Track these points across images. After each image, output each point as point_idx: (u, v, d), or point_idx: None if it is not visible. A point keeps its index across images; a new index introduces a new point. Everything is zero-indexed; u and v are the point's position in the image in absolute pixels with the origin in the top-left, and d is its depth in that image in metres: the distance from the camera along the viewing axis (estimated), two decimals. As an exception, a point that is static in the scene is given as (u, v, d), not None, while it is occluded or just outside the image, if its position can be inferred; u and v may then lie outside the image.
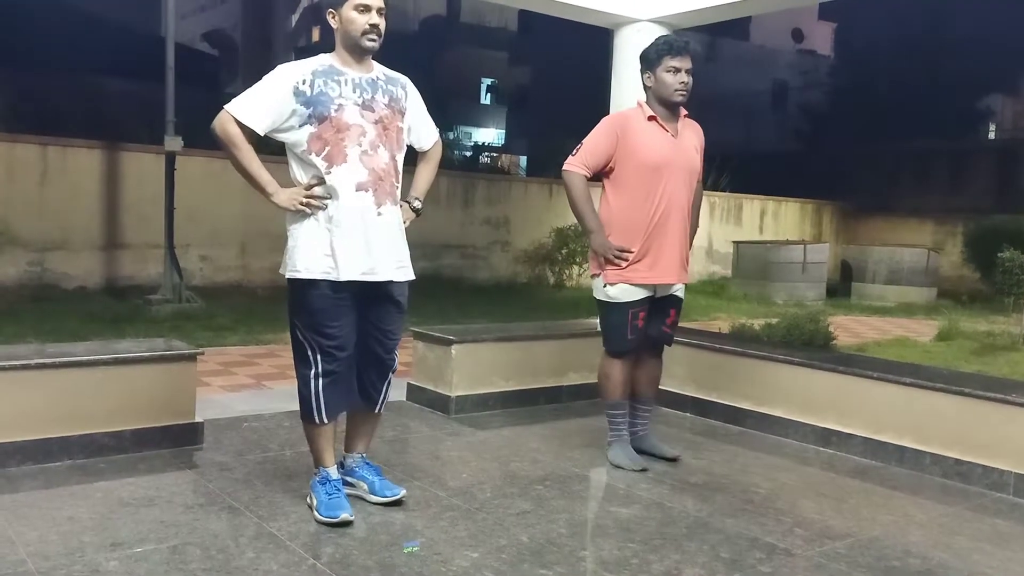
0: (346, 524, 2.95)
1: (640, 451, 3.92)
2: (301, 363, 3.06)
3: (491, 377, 4.83)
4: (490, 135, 32.47)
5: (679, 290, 3.91)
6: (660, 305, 3.85)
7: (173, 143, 9.34)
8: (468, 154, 23.06)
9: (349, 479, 3.22)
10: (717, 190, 16.33)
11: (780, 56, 31.67)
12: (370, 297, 3.04)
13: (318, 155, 2.92)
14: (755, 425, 4.59)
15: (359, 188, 2.94)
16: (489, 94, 35.55)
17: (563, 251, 13.51)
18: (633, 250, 3.69)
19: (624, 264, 3.70)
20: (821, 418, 4.34)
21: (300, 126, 2.92)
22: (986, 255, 12.24)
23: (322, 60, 3.01)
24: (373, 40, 2.96)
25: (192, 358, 3.91)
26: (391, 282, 3.05)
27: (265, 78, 2.96)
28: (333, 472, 3.11)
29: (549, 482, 3.60)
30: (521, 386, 4.93)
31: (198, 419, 3.89)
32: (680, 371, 4.96)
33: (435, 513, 3.15)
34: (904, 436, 4.02)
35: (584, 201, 3.75)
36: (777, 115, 28.04)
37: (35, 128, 10.48)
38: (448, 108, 26.54)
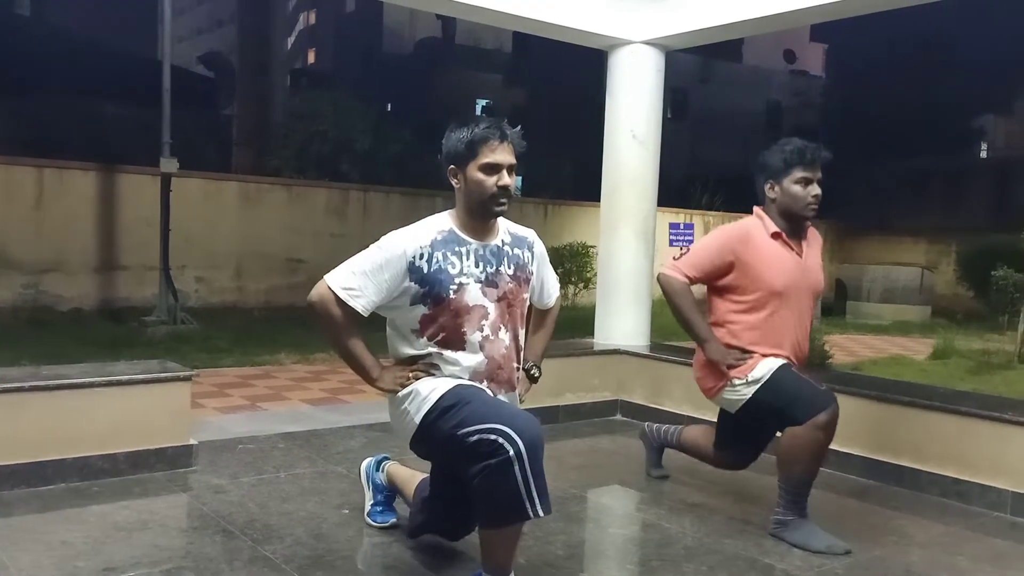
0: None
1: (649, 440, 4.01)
2: (490, 455, 2.37)
3: (487, 398, 4.80)
4: (485, 156, 32.53)
5: None
6: None
7: (169, 165, 9.37)
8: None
9: (370, 484, 3.24)
10: (712, 209, 16.39)
11: (773, 77, 31.94)
12: None
13: (430, 340, 2.54)
14: (752, 445, 4.57)
15: (474, 377, 2.55)
16: (484, 115, 35.70)
17: (559, 270, 13.52)
18: (755, 351, 3.27)
19: (746, 368, 3.26)
20: (818, 437, 4.32)
21: (411, 304, 2.53)
22: (980, 273, 12.29)
23: (441, 225, 2.60)
24: (503, 204, 2.55)
25: (187, 380, 3.89)
26: None
27: (376, 248, 2.54)
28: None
29: (546, 503, 3.57)
30: (518, 407, 4.91)
31: (192, 441, 3.87)
32: (677, 391, 4.95)
33: (432, 536, 3.13)
34: (902, 455, 4.01)
35: (691, 309, 3.30)
36: (770, 135, 28.18)
37: (31, 151, 10.51)
38: (443, 129, 26.61)
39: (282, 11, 47.96)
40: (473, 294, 2.53)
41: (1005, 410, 3.80)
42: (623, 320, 5.47)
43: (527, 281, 2.69)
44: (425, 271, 2.50)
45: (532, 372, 2.85)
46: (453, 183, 2.61)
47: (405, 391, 2.57)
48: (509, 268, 2.62)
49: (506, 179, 2.53)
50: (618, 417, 5.24)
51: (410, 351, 2.59)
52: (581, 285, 13.43)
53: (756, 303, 3.26)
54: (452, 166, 2.60)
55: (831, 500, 3.83)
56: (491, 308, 2.56)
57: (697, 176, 18.49)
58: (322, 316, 2.54)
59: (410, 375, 2.55)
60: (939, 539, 3.38)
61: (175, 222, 9.47)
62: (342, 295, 2.49)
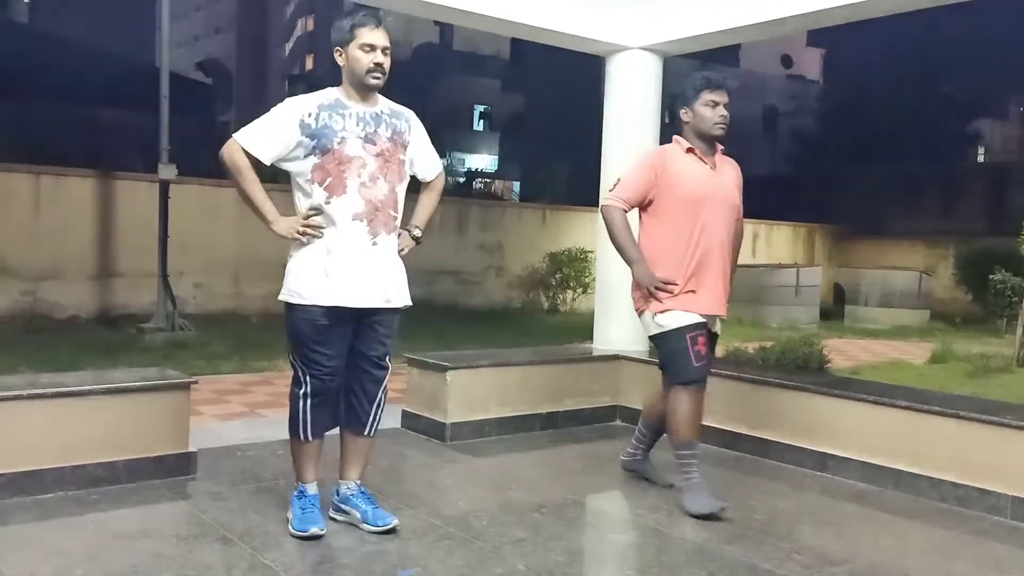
0: (316, 538, 3.06)
1: (634, 472, 3.92)
2: (293, 381, 3.18)
3: (486, 403, 4.81)
4: (483, 161, 32.63)
5: (716, 325, 3.79)
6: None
7: (167, 171, 9.36)
8: (462, 180, 23.18)
9: (343, 507, 3.26)
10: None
11: (770, 82, 32.02)
12: (360, 323, 3.12)
13: (320, 185, 3.03)
14: (751, 450, 4.58)
15: (355, 218, 3.04)
16: (482, 120, 35.76)
17: (557, 276, 13.54)
18: (678, 282, 3.58)
19: (670, 295, 3.58)
20: (817, 442, 4.32)
21: (304, 157, 3.03)
22: (978, 277, 12.32)
23: (328, 94, 3.12)
24: (377, 78, 3.08)
25: (186, 387, 3.88)
26: (380, 309, 3.13)
27: (273, 110, 3.09)
28: (310, 488, 3.20)
29: (546, 509, 3.57)
30: (517, 412, 4.91)
31: (192, 448, 3.86)
32: (676, 396, 4.94)
33: (431, 542, 3.13)
34: (901, 460, 4.01)
35: (624, 233, 3.66)
36: (768, 139, 28.27)
37: (29, 157, 10.50)
38: (442, 134, 26.64)
39: (280, 17, 48.00)
40: (353, 147, 3.04)
41: (1004, 414, 3.80)
42: (622, 325, 5.47)
43: (404, 146, 3.19)
44: (313, 127, 3.02)
45: (413, 232, 3.31)
46: (339, 61, 3.11)
47: (293, 259, 3.10)
48: (387, 132, 3.13)
49: (380, 57, 3.06)
50: (617, 423, 5.24)
51: (306, 202, 3.07)
52: (580, 290, 13.44)
53: (675, 214, 3.62)
54: (338, 47, 3.10)
55: (829, 505, 3.83)
56: (369, 160, 3.06)
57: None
58: (229, 164, 3.05)
59: (300, 228, 3.03)
60: (938, 544, 3.38)
61: (173, 228, 9.46)
62: (245, 144, 3.02)
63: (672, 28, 5.24)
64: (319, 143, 3.02)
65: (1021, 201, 17.30)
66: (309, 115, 3.03)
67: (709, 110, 3.67)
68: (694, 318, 3.59)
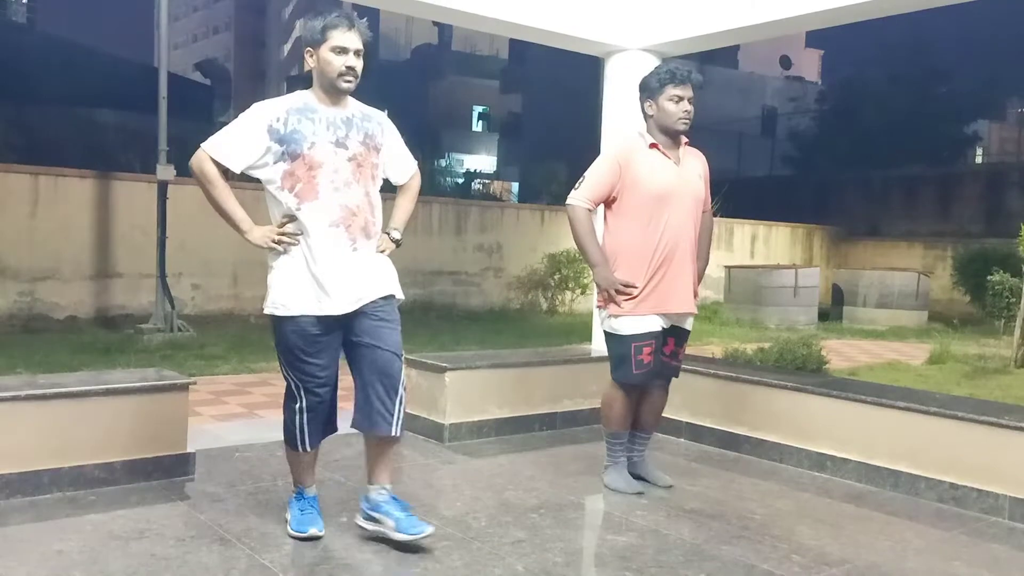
0: (314, 539, 3.07)
1: (635, 476, 3.91)
2: (288, 395, 3.16)
3: (485, 404, 4.81)
4: (482, 162, 32.66)
5: (687, 322, 3.85)
6: (667, 336, 3.80)
7: (165, 172, 9.35)
8: (460, 181, 23.17)
9: (374, 514, 3.11)
10: (708, 215, 16.38)
11: (769, 83, 32.04)
12: (359, 321, 3.04)
13: (290, 191, 2.96)
14: (750, 451, 4.58)
15: (332, 224, 2.96)
16: (481, 121, 35.80)
17: (555, 277, 13.53)
18: (638, 285, 3.63)
19: (629, 297, 3.65)
20: (816, 443, 4.33)
21: (274, 163, 2.96)
22: (976, 278, 12.31)
23: (298, 97, 3.04)
24: (349, 82, 2.98)
25: (184, 388, 3.88)
26: (371, 303, 3.04)
27: (241, 116, 3.00)
28: (309, 490, 3.22)
29: (544, 510, 3.57)
30: (515, 413, 4.92)
31: (190, 449, 3.86)
32: (674, 397, 4.92)
33: (430, 543, 3.12)
34: (899, 461, 4.01)
35: (588, 235, 3.68)
36: (767, 141, 28.27)
37: (27, 158, 10.49)
38: (440, 136, 26.67)
39: (278, 18, 48.02)
40: (324, 151, 2.95)
41: (1002, 415, 3.80)
42: (620, 326, 5.47)
43: (376, 149, 3.10)
44: (282, 132, 2.93)
45: (392, 235, 3.23)
46: (309, 63, 3.01)
47: (273, 270, 3.02)
48: (359, 136, 3.04)
49: (352, 60, 2.96)
50: (615, 423, 5.23)
51: (278, 210, 3.00)
52: (578, 291, 13.43)
53: (639, 210, 3.63)
54: (308, 48, 3.00)
55: (827, 505, 3.83)
56: (341, 165, 2.98)
57: (693, 182, 18.47)
58: (198, 175, 2.98)
59: (275, 237, 2.96)
60: (936, 545, 3.38)
61: (171, 229, 9.45)
62: (213, 154, 2.94)
63: (671, 29, 5.24)
64: (288, 148, 2.93)
65: (1019, 202, 17.31)
66: (277, 120, 2.94)
67: (673, 105, 3.64)
68: (647, 325, 3.67)
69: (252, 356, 7.75)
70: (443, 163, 22.76)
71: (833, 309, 14.20)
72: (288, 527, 3.14)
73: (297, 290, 2.97)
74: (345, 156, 2.99)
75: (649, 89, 3.73)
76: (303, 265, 2.97)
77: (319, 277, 2.95)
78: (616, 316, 3.68)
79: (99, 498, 3.49)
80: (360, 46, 2.98)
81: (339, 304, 2.97)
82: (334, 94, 3.01)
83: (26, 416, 3.48)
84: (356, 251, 3.01)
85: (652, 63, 5.45)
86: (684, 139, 3.78)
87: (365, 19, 3.02)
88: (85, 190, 10.11)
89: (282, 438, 3.25)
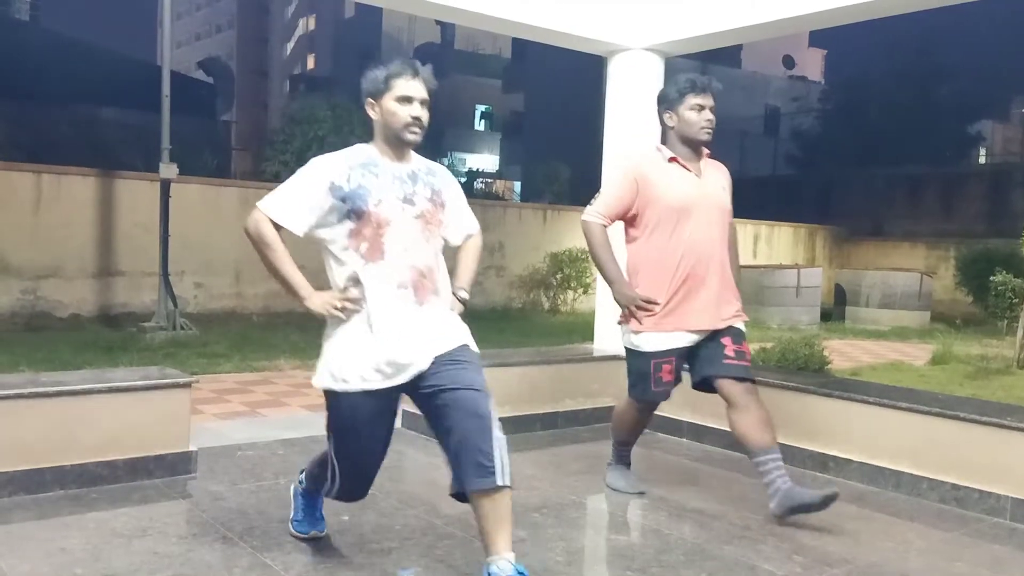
0: (316, 538, 3.08)
1: (791, 510, 3.41)
2: (325, 467, 2.91)
3: (487, 404, 4.80)
4: (484, 161, 32.68)
5: (735, 321, 3.67)
6: (717, 337, 3.60)
7: (168, 170, 9.37)
8: (463, 180, 23.16)
9: None
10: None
11: (772, 82, 32.03)
12: (427, 375, 2.74)
13: (355, 251, 2.71)
14: (752, 451, 4.57)
15: (400, 286, 2.71)
16: (483, 120, 35.80)
17: (558, 276, 13.54)
18: (659, 301, 3.51)
19: (650, 313, 3.53)
20: (818, 443, 4.33)
21: (339, 222, 2.71)
22: (978, 279, 12.31)
23: (359, 152, 2.82)
24: (415, 133, 2.77)
25: (186, 386, 3.89)
26: (446, 353, 2.77)
27: (299, 173, 2.77)
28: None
29: (546, 509, 3.58)
30: (517, 412, 4.91)
31: (192, 448, 3.87)
32: (676, 397, 4.93)
33: (431, 541, 3.13)
34: (901, 461, 4.01)
35: (603, 251, 3.57)
36: (769, 140, 28.27)
37: (30, 156, 10.51)
38: (443, 134, 26.68)
39: (281, 17, 48.05)
40: (391, 208, 2.73)
41: (1004, 415, 3.80)
42: (622, 326, 5.47)
43: (442, 205, 2.89)
44: (346, 189, 2.70)
45: (460, 295, 3.04)
46: (372, 115, 2.81)
47: (331, 339, 2.76)
48: (425, 191, 2.83)
49: (418, 110, 2.76)
50: (617, 423, 5.23)
51: (341, 271, 2.74)
52: (580, 291, 13.44)
53: (659, 224, 3.53)
54: (370, 99, 2.80)
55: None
56: (409, 223, 2.76)
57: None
58: (256, 239, 2.72)
59: (337, 304, 2.71)
60: (938, 545, 3.38)
61: (174, 228, 9.47)
62: (272, 215, 2.70)
63: (674, 28, 5.24)
64: (354, 205, 2.69)
65: (1022, 203, 17.30)
66: (341, 176, 2.71)
67: (695, 114, 3.53)
68: (670, 342, 3.54)
69: (254, 354, 7.77)
70: (446, 162, 22.76)
71: (835, 309, 14.19)
72: (290, 526, 3.14)
73: (360, 360, 2.68)
74: (413, 213, 2.76)
75: (668, 100, 3.60)
76: (364, 333, 2.69)
77: (382, 347, 2.67)
78: (637, 332, 3.57)
79: (102, 496, 3.49)
80: (425, 95, 2.78)
81: (410, 369, 2.70)
82: (398, 147, 2.80)
83: (29, 414, 3.49)
84: (423, 308, 2.74)
85: (655, 62, 5.48)
86: (706, 151, 3.67)
87: (430, 65, 2.86)
88: (88, 188, 10.13)
89: (285, 435, 3.24)
